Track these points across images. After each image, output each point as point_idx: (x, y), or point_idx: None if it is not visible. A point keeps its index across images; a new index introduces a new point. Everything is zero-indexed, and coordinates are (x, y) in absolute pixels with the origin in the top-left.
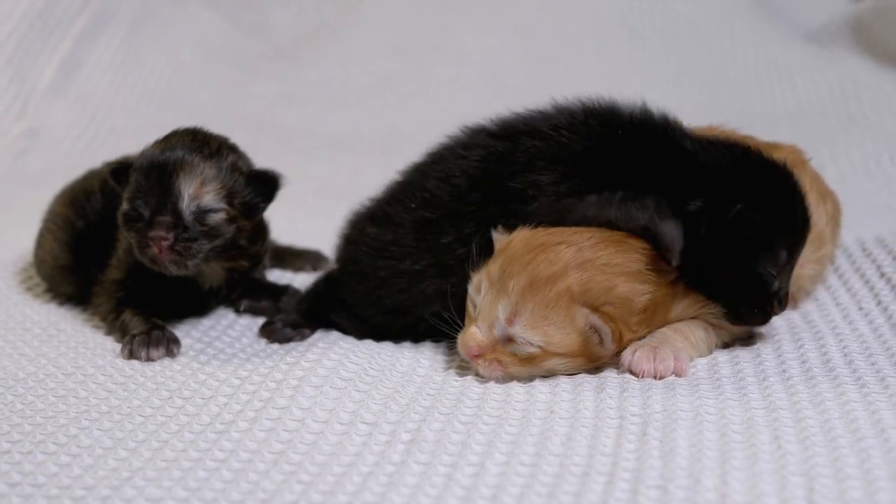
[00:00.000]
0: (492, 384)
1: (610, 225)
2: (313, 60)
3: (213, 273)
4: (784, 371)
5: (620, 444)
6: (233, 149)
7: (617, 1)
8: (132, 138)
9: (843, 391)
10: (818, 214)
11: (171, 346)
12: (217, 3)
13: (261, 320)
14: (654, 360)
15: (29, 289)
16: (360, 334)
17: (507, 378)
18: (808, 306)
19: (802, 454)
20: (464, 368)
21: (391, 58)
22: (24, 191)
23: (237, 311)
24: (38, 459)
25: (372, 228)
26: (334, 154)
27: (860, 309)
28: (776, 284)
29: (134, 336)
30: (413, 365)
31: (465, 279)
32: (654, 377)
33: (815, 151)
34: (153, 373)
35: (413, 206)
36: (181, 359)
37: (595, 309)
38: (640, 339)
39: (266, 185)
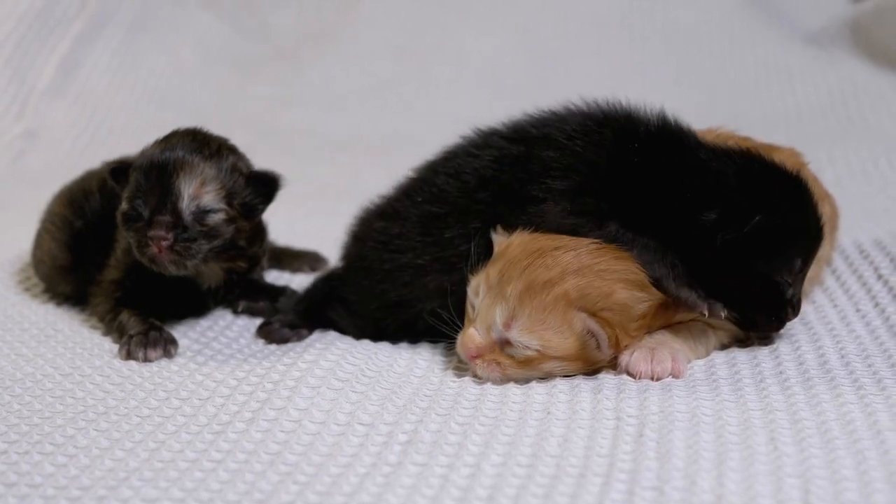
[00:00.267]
0: (489, 385)
1: None
2: (313, 61)
3: (212, 274)
4: (781, 373)
5: (617, 446)
6: (232, 150)
7: (617, 1)
8: (131, 139)
9: (839, 393)
10: None
11: (168, 346)
12: (216, 5)
13: (258, 321)
14: (652, 361)
15: (27, 289)
16: (359, 333)
17: (504, 379)
18: (806, 308)
19: (799, 455)
20: (461, 369)
21: (391, 59)
22: (23, 191)
23: (235, 311)
24: (35, 460)
25: (379, 223)
26: (334, 155)
27: (857, 311)
28: (791, 291)
29: (131, 336)
30: (410, 366)
31: (465, 278)
32: (652, 378)
33: (813, 154)
34: (150, 373)
35: (420, 200)
36: (178, 359)
37: (593, 314)
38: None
39: (266, 185)
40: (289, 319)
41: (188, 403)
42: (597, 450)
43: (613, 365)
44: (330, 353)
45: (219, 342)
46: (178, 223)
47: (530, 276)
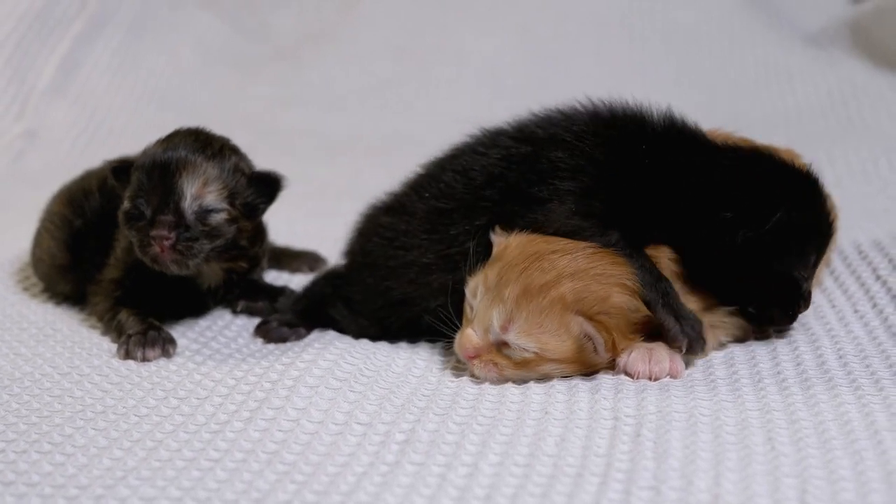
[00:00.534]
0: (487, 385)
1: None
2: (313, 61)
3: (212, 273)
4: (779, 373)
5: (614, 445)
6: (234, 150)
7: (617, 1)
8: (131, 139)
9: (837, 393)
10: None
11: (167, 346)
12: (216, 5)
13: (257, 321)
14: (650, 361)
15: (26, 289)
16: (360, 331)
17: (501, 379)
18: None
19: (796, 456)
20: (459, 369)
21: (391, 59)
22: (23, 191)
23: (234, 311)
24: (33, 458)
25: (386, 218)
26: (334, 155)
27: (856, 311)
28: (805, 286)
29: (130, 336)
30: (408, 365)
31: (466, 275)
32: (649, 378)
33: (812, 154)
34: (149, 373)
35: (427, 195)
36: (177, 359)
37: (590, 317)
38: None
39: (268, 186)
40: (287, 318)
41: (186, 403)
42: (594, 449)
43: (611, 367)
44: (328, 353)
45: (217, 342)
46: (180, 223)
47: (527, 279)
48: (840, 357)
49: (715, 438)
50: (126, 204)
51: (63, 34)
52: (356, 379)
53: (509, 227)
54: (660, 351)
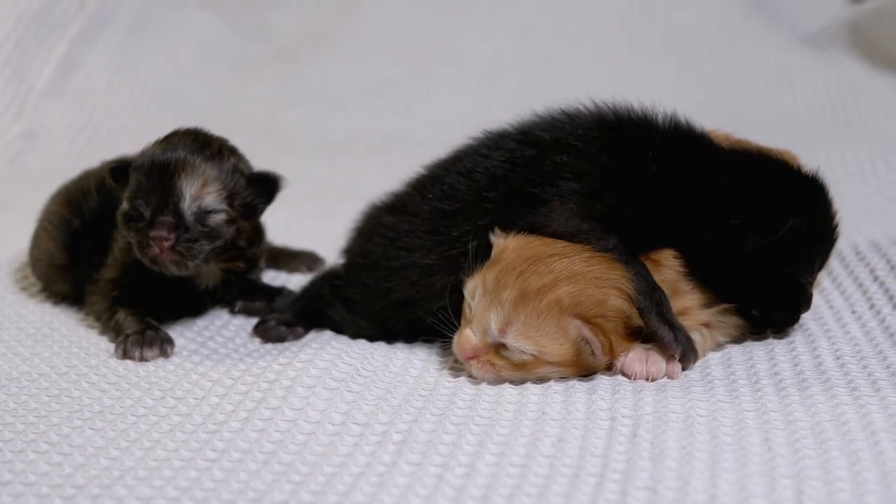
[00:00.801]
0: (484, 385)
1: None
2: (313, 61)
3: (210, 274)
4: (776, 374)
5: (611, 446)
6: (233, 151)
7: (617, 2)
8: (130, 139)
9: (834, 394)
10: None
11: (164, 346)
12: (216, 5)
13: (255, 321)
14: (647, 362)
15: (24, 288)
16: (359, 332)
17: (499, 380)
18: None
19: (792, 456)
20: (456, 369)
21: (391, 59)
22: (22, 191)
23: (232, 311)
24: (30, 458)
25: (388, 218)
26: (333, 155)
27: (853, 312)
28: (810, 289)
29: (128, 336)
30: (406, 366)
31: (465, 277)
32: (647, 379)
33: (810, 155)
34: (146, 373)
35: (431, 196)
36: (174, 359)
37: (587, 321)
38: None
39: (266, 186)
40: (285, 318)
41: (184, 403)
42: (591, 450)
43: (609, 370)
44: (325, 353)
45: (215, 341)
46: (179, 224)
47: (524, 282)
48: (837, 358)
49: (712, 439)
50: (125, 205)
51: (62, 34)
52: (353, 379)
53: (510, 228)
54: (657, 352)
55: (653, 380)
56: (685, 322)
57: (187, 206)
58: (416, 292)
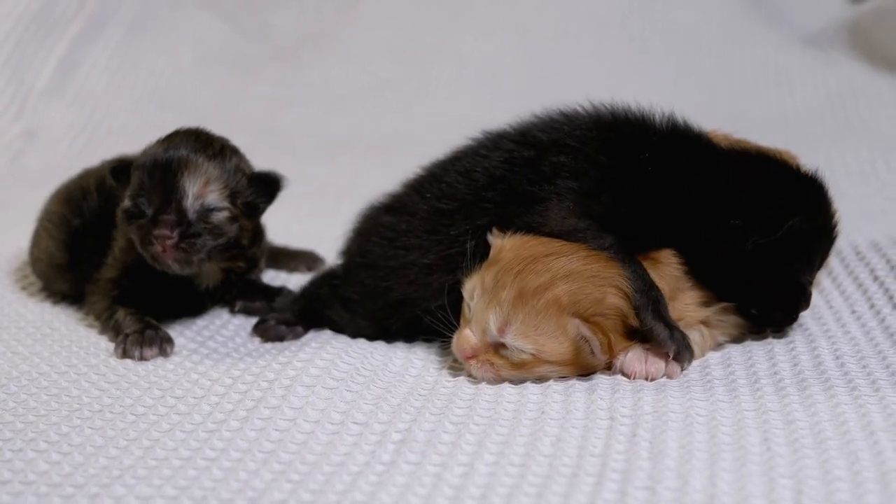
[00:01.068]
0: (483, 385)
1: None
2: (313, 61)
3: (211, 274)
4: (776, 374)
5: (610, 445)
6: (234, 150)
7: (617, 2)
8: (130, 139)
9: (833, 394)
10: None
11: (164, 345)
12: (216, 5)
13: (254, 320)
14: (646, 361)
15: (24, 287)
16: (357, 332)
17: (498, 379)
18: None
19: (792, 456)
20: (456, 369)
21: (391, 59)
22: (22, 191)
23: (232, 311)
24: (29, 457)
25: (386, 217)
26: (333, 155)
27: (853, 312)
28: (809, 288)
29: (127, 335)
30: (405, 365)
31: (463, 277)
32: (646, 379)
33: (810, 155)
34: (146, 372)
35: (429, 196)
36: (174, 358)
37: (585, 319)
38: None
39: (268, 186)
40: (285, 317)
41: (183, 402)
42: (590, 449)
43: (608, 369)
44: (325, 352)
45: (214, 341)
46: (182, 221)
47: (522, 281)
48: (837, 358)
49: (711, 439)
50: (126, 202)
51: (62, 34)
52: (353, 378)
53: (508, 227)
54: (656, 352)
55: (652, 379)
56: (684, 321)
57: (190, 203)
58: (414, 291)
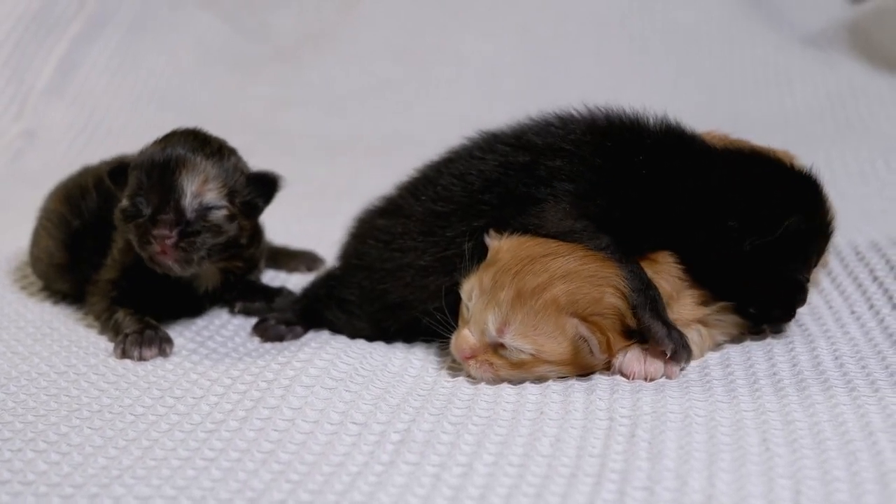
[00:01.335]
0: (483, 385)
1: None
2: (313, 62)
3: (210, 276)
4: (775, 374)
5: (609, 446)
6: (232, 150)
7: (617, 2)
8: (130, 139)
9: (832, 394)
10: None
11: (163, 345)
12: (216, 5)
13: (254, 321)
14: (645, 362)
15: (23, 287)
16: (355, 333)
17: (497, 380)
18: (801, 309)
19: (790, 456)
20: (455, 369)
21: (391, 59)
22: (22, 191)
23: (231, 312)
24: (28, 457)
25: (381, 220)
26: (333, 155)
27: (852, 313)
28: (807, 286)
29: (127, 335)
30: (404, 365)
31: (461, 278)
32: (645, 379)
33: (810, 155)
34: (145, 372)
35: (424, 198)
36: (173, 358)
37: (584, 319)
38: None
39: (265, 185)
40: (285, 317)
41: (182, 402)
42: (589, 450)
43: (607, 369)
44: (324, 353)
45: (214, 341)
46: (181, 220)
47: (521, 282)
48: (836, 358)
49: (709, 439)
50: (124, 202)
51: (62, 34)
52: (352, 379)
53: (504, 230)
54: (655, 352)
55: (651, 380)
56: (682, 320)
57: (188, 202)
58: (410, 293)
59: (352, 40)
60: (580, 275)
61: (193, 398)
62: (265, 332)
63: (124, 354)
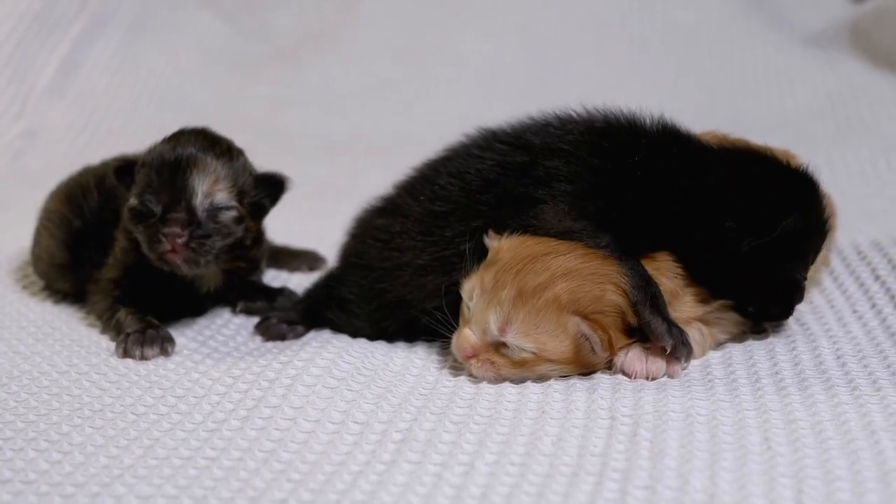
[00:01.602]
0: (484, 385)
1: None
2: (313, 62)
3: (212, 276)
4: (776, 373)
5: (610, 445)
6: (240, 150)
7: (617, 2)
8: (131, 139)
9: (834, 393)
10: None
11: (165, 344)
12: (216, 5)
13: (255, 320)
14: (647, 361)
15: (25, 287)
16: (355, 332)
17: (499, 379)
18: (803, 309)
19: (792, 456)
20: (457, 369)
21: (391, 59)
22: (23, 191)
23: (233, 311)
24: (30, 456)
25: (380, 220)
26: (333, 155)
27: (854, 312)
28: (804, 284)
29: (128, 334)
30: (406, 365)
31: (462, 278)
32: (647, 378)
33: (811, 155)
34: (147, 371)
35: (422, 198)
36: (175, 357)
37: (585, 317)
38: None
39: (273, 186)
40: (287, 316)
41: (184, 401)
42: (590, 449)
43: (609, 367)
44: (326, 352)
45: (215, 340)
46: (192, 220)
47: (522, 281)
48: (838, 357)
49: (711, 438)
50: (133, 200)
51: (63, 34)
52: (353, 378)
53: (503, 230)
54: (657, 351)
55: (653, 379)
56: (683, 319)
57: (199, 202)
58: (408, 293)
59: (352, 40)
60: (581, 273)
61: (195, 397)
62: (267, 331)
63: (126, 354)
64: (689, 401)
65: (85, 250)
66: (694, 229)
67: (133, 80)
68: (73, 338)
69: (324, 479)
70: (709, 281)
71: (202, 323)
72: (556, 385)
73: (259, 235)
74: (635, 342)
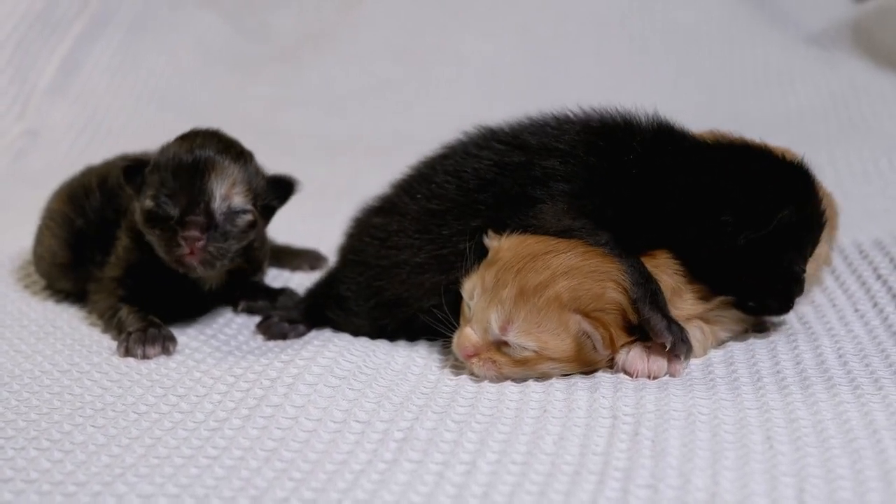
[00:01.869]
0: (486, 383)
1: None
2: (313, 62)
3: (215, 275)
4: (778, 372)
5: (612, 444)
6: (251, 153)
7: (617, 2)
8: (131, 139)
9: (836, 392)
10: None
11: (167, 343)
12: (216, 5)
13: (257, 319)
14: (648, 359)
15: (27, 286)
16: (355, 330)
17: (500, 377)
18: (804, 308)
19: (794, 454)
20: (458, 368)
21: (391, 59)
22: (24, 191)
23: (235, 311)
24: (31, 455)
25: (377, 218)
26: (333, 155)
27: (856, 311)
28: (803, 276)
29: (130, 333)
30: (408, 363)
31: (462, 277)
32: (648, 377)
33: (813, 154)
34: (148, 370)
35: (419, 196)
36: (176, 356)
37: (586, 315)
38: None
39: (283, 189)
40: (289, 315)
41: (185, 400)
42: (592, 448)
43: (610, 365)
44: (327, 351)
45: (217, 339)
46: (210, 224)
47: (523, 279)
48: (840, 356)
49: (713, 437)
50: (148, 203)
51: (64, 34)
52: (355, 377)
53: (502, 230)
54: (658, 350)
55: (654, 377)
56: (684, 317)
57: (217, 206)
58: (406, 291)
59: (352, 40)
60: (581, 271)
61: (196, 396)
62: (268, 330)
63: (128, 352)
64: (690, 400)
65: (87, 250)
66: (691, 225)
67: (133, 80)
68: (74, 337)
69: (326, 478)
70: (708, 277)
71: (204, 322)
72: (557, 384)
73: (263, 236)
74: (636, 340)
